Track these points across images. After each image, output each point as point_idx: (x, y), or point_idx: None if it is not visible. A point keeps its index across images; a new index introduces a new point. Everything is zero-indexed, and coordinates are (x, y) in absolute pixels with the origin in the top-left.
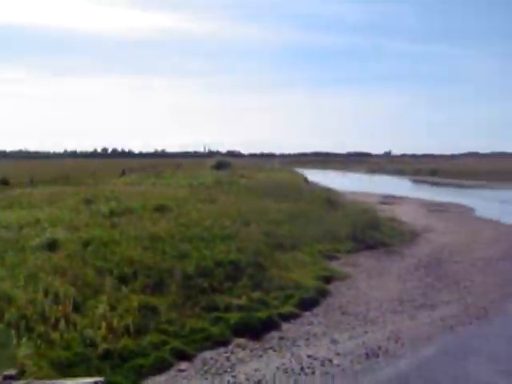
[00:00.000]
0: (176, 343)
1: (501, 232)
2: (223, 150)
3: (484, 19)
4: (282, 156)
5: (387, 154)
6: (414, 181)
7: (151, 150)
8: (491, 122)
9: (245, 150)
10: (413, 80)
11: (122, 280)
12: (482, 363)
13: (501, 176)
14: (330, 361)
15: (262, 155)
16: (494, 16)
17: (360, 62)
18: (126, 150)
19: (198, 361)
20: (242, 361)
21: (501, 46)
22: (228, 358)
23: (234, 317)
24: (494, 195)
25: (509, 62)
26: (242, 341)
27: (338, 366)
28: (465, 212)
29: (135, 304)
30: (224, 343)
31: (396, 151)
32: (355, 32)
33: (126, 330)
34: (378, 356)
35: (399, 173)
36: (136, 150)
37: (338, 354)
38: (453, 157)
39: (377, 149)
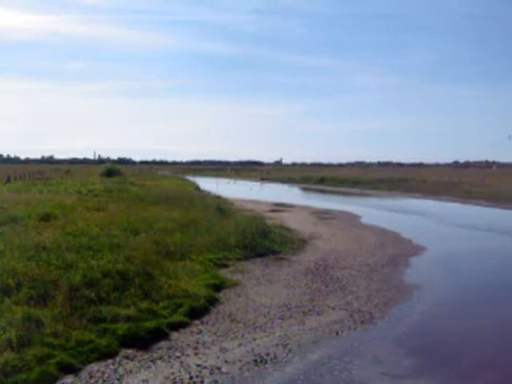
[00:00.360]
0: (61, 356)
1: (385, 238)
2: (114, 156)
3: (368, 33)
4: (175, 163)
5: (278, 163)
6: (304, 189)
7: (38, 156)
8: (377, 133)
9: (136, 157)
10: (304, 91)
11: (5, 292)
12: (366, 366)
13: (386, 184)
14: (219, 369)
15: (154, 162)
16: (378, 30)
17: (255, 71)
18: (12, 155)
19: (84, 374)
20: (129, 372)
21: (383, 59)
22: (115, 370)
23: (121, 328)
24: (380, 203)
25: (392, 75)
26: (129, 352)
27: (227, 373)
28: (351, 219)
29: (18, 316)
30: (111, 355)
31: (286, 160)
32: (250, 42)
33: (9, 343)
34: (266, 362)
35: (289, 181)
36: (22, 156)
37: (226, 362)
38: (340, 166)
39: (268, 157)
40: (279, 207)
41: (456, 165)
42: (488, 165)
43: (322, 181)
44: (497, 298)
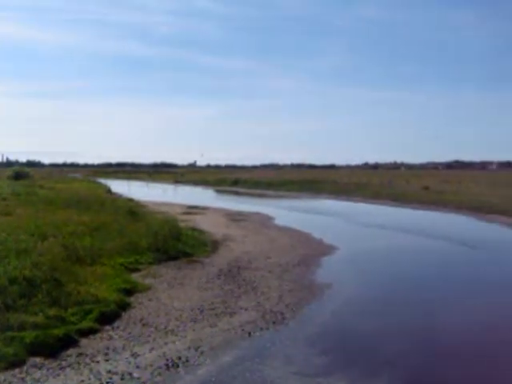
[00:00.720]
0: None
1: (297, 239)
2: (23, 159)
3: (283, 36)
4: (86, 166)
5: (193, 165)
6: (218, 191)
7: None
8: (291, 135)
9: (47, 160)
10: (221, 94)
11: None
12: (278, 366)
13: (299, 186)
14: (130, 374)
15: (65, 165)
16: (293, 33)
17: (172, 73)
18: None
19: None
20: (37, 381)
21: (298, 61)
22: (23, 379)
23: (29, 335)
24: (293, 204)
25: (306, 78)
26: (38, 360)
27: (139, 379)
28: (264, 221)
29: None
30: (19, 364)
31: (201, 162)
32: (166, 43)
33: None
34: (178, 366)
35: (203, 183)
36: None
37: (138, 367)
38: (254, 168)
39: (183, 159)
40: (192, 210)
41: (366, 166)
42: (396, 166)
43: (236, 183)
44: (404, 294)
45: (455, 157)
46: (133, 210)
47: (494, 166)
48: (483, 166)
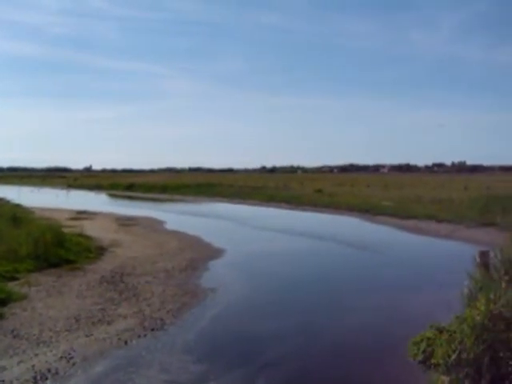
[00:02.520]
0: None
1: (185, 243)
2: None
3: (181, 39)
4: None
5: (88, 169)
6: (111, 195)
7: None
8: (191, 139)
9: None
10: (119, 96)
11: None
12: (152, 375)
13: (193, 190)
14: None
15: None
16: (191, 36)
17: (67, 75)
18: None
19: None
20: None
21: (196, 65)
22: None
23: None
24: (186, 208)
25: (204, 81)
26: None
27: None
28: (154, 225)
29: None
30: None
31: (96, 166)
32: (59, 44)
33: None
34: (46, 378)
35: (97, 188)
36: None
37: (3, 382)
38: (152, 172)
39: (78, 164)
40: (82, 215)
41: (264, 170)
42: (293, 169)
43: (130, 187)
44: (287, 297)
45: (350, 160)
46: (16, 215)
47: (386, 170)
48: (376, 168)
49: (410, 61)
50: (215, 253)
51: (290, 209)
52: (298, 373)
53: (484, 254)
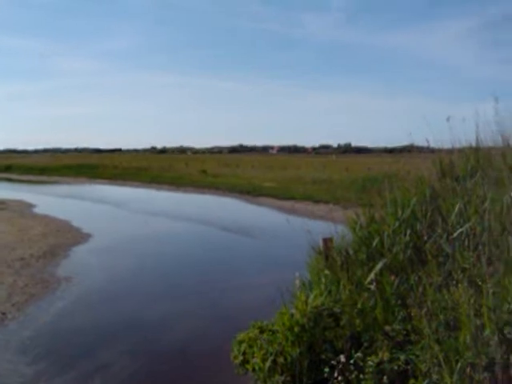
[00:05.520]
0: None
1: (52, 228)
2: None
3: (74, 16)
4: None
5: None
6: None
7: None
8: (78, 118)
9: None
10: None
11: None
12: None
13: (74, 171)
14: None
15: None
16: (83, 13)
17: None
18: None
19: None
20: None
21: (89, 43)
22: None
23: None
24: (63, 190)
25: (96, 60)
26: None
27: None
28: (24, 209)
29: None
30: None
31: None
32: None
33: None
34: None
35: None
36: None
37: None
38: (35, 152)
39: None
40: None
41: (153, 150)
42: (183, 150)
43: (8, 169)
44: (146, 287)
45: (240, 141)
46: None
47: (275, 150)
48: (265, 149)
49: (300, 44)
50: (81, 238)
51: (172, 190)
52: (137, 370)
53: (327, 242)
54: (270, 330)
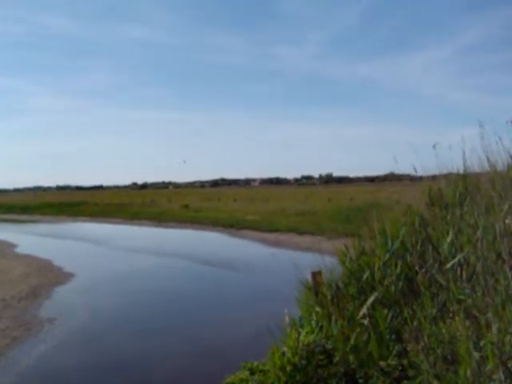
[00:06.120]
0: None
1: (33, 268)
2: None
3: (48, 54)
4: None
5: None
6: None
7: None
8: (58, 156)
9: None
10: None
11: None
12: None
13: (56, 209)
14: None
15: None
16: (59, 51)
17: None
18: None
19: None
20: None
21: (64, 80)
22: None
23: None
24: (45, 229)
25: (72, 97)
26: None
27: None
28: (4, 249)
29: None
30: None
31: None
32: None
33: None
34: None
35: None
36: None
37: None
38: (17, 191)
39: None
40: None
41: (135, 186)
42: (165, 185)
43: None
44: (132, 326)
45: (221, 175)
46: None
47: (257, 183)
48: (247, 182)
49: (277, 76)
50: (64, 278)
51: (154, 226)
52: None
53: (316, 276)
54: (260, 371)
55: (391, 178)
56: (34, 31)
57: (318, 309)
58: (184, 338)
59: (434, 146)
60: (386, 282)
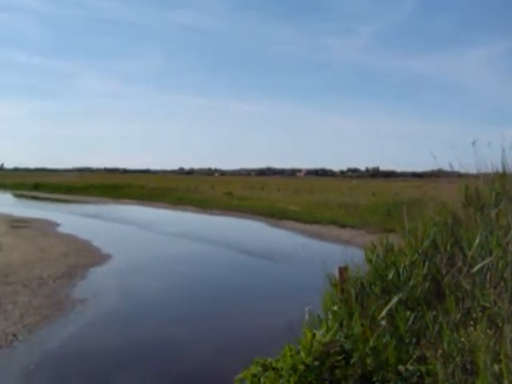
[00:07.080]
0: None
1: (72, 248)
2: None
3: (101, 38)
4: None
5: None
6: (16, 195)
7: None
8: (108, 139)
9: None
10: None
11: None
12: None
13: (100, 190)
14: None
15: None
16: (111, 35)
17: None
18: None
19: None
20: None
21: (114, 65)
22: None
23: None
24: (88, 210)
25: (122, 81)
26: None
27: None
28: (47, 228)
29: None
30: None
31: (9, 165)
32: None
33: None
34: None
35: (2, 187)
36: None
37: None
38: (66, 171)
39: None
40: None
41: (181, 172)
42: (211, 172)
43: (36, 187)
44: (163, 312)
45: (268, 164)
46: None
47: (302, 174)
48: (293, 172)
49: (327, 68)
50: (101, 259)
51: (197, 212)
52: None
53: (342, 271)
54: (273, 368)
55: (439, 175)
56: (91, 15)
57: (338, 307)
58: (212, 327)
59: (474, 143)
60: (411, 283)
